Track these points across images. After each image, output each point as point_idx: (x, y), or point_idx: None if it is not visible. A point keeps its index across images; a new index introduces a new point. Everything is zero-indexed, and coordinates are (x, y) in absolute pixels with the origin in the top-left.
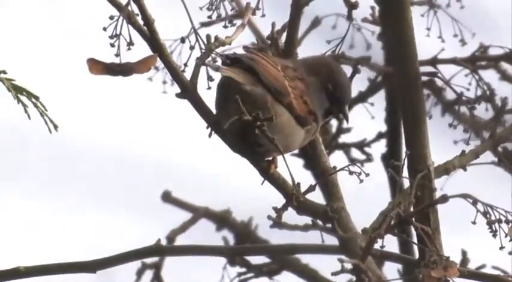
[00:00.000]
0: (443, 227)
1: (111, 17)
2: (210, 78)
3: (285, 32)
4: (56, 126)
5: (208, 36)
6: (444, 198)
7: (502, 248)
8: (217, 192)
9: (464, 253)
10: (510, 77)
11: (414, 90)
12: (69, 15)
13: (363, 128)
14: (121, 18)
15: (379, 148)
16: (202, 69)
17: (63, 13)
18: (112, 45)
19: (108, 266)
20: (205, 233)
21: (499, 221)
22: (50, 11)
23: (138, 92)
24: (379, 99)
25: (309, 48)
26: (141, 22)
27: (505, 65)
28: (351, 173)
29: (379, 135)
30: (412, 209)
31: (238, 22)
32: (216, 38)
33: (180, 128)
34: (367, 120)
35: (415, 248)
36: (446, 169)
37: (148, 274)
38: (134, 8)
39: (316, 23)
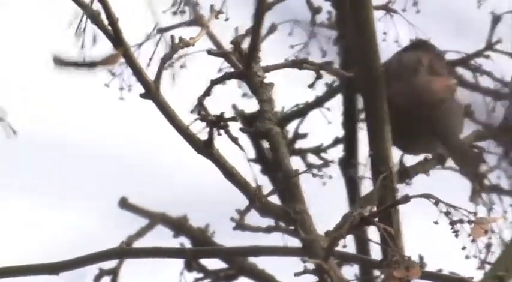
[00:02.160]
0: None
1: (76, 13)
2: (173, 77)
3: (248, 37)
4: (14, 132)
5: (172, 37)
6: (406, 198)
7: (464, 248)
8: (175, 196)
9: (421, 258)
10: (466, 82)
11: (376, 91)
12: (34, 14)
13: (319, 133)
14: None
15: (336, 153)
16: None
17: (29, 12)
18: (77, 40)
19: (71, 268)
20: (162, 239)
21: (461, 221)
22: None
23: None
24: (337, 104)
25: (269, 53)
26: (106, 22)
27: (461, 70)
28: (314, 175)
29: (336, 141)
30: (374, 209)
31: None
32: (181, 38)
33: (142, 129)
34: (323, 125)
35: (372, 250)
36: (408, 174)
37: (106, 280)
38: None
39: (272, 29)
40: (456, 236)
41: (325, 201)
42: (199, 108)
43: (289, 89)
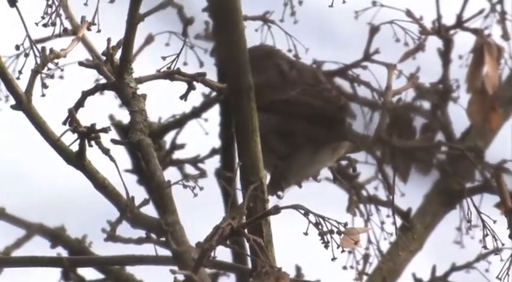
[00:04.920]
0: (278, 242)
1: None
2: (44, 86)
3: (121, 48)
4: None
5: (43, 48)
6: (276, 209)
7: (334, 259)
8: (50, 206)
9: (298, 269)
10: (344, 92)
11: (246, 101)
12: None
13: (197, 144)
14: None
15: (213, 164)
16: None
17: None
18: None
19: None
20: (39, 249)
21: (331, 231)
22: None
23: None
24: (214, 114)
25: (144, 64)
26: None
27: (339, 80)
28: (185, 186)
29: (213, 151)
30: (244, 220)
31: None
32: (52, 50)
33: (18, 139)
34: (201, 136)
35: (249, 261)
36: (280, 186)
37: None
38: None
39: (149, 40)
40: (326, 247)
41: (204, 211)
42: (71, 119)
43: (167, 99)
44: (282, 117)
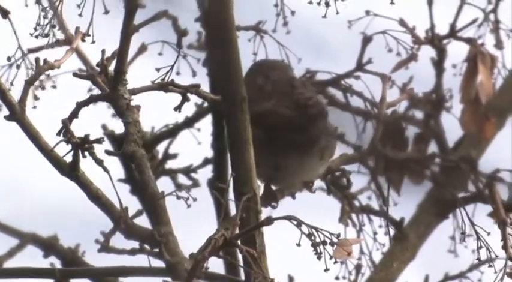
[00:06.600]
0: (271, 253)
1: None
2: (35, 98)
3: (115, 60)
4: None
5: (37, 59)
6: (269, 220)
7: (326, 270)
8: (43, 216)
9: (290, 279)
10: (337, 102)
11: (239, 112)
12: None
13: (189, 153)
14: None
15: (205, 174)
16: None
17: None
18: None
19: None
20: (32, 259)
21: (324, 243)
22: None
23: None
24: (206, 124)
25: (137, 75)
26: None
27: (331, 90)
28: (178, 197)
29: (206, 161)
30: (237, 231)
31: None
32: (45, 61)
33: (12, 149)
34: (194, 145)
35: (242, 272)
36: (275, 197)
37: None
38: None
39: (142, 49)
40: (319, 258)
41: (197, 222)
42: (65, 130)
43: (160, 109)
44: (259, 130)
